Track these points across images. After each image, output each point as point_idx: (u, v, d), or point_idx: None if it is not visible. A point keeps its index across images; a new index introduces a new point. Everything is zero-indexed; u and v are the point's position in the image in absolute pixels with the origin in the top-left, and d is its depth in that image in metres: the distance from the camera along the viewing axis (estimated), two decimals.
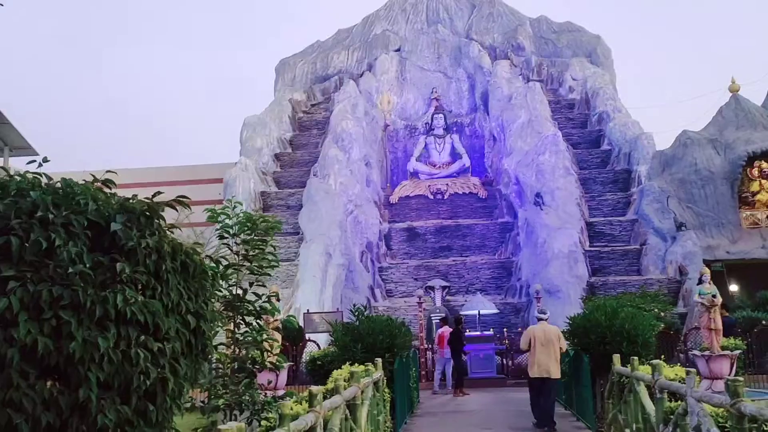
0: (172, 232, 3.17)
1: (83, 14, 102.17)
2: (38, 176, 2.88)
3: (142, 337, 2.78)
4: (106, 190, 3.02)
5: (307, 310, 21.55)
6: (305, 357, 17.81)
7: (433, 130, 32.45)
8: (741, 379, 5.26)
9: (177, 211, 3.24)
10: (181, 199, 3.24)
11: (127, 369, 2.71)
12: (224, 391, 5.69)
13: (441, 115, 32.65)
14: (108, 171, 3.05)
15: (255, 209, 26.87)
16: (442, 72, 35.13)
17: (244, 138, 31.42)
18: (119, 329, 2.72)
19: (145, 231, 2.91)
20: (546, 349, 10.77)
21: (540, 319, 11.36)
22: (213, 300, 3.35)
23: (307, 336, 19.83)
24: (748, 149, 24.18)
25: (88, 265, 2.72)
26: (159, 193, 3.10)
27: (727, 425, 5.72)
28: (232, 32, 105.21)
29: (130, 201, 2.97)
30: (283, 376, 14.90)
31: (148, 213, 2.98)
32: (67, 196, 2.80)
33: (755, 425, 5.11)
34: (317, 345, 18.79)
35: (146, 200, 3.04)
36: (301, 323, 20.46)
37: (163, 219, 3.09)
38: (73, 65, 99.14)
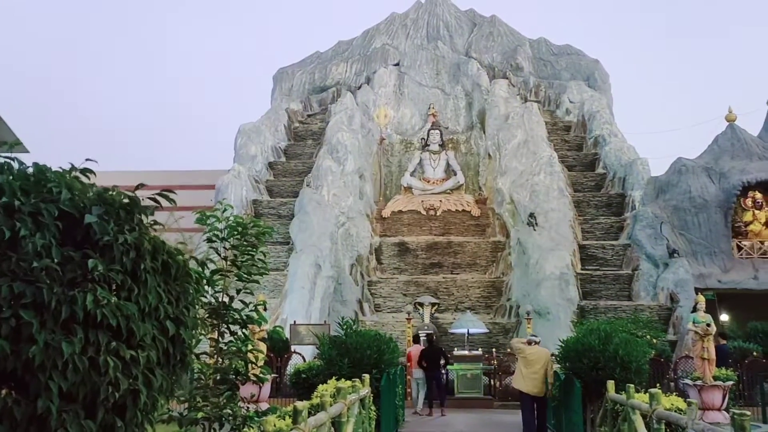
0: (155, 229, 2.88)
1: (81, 18, 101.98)
2: (9, 160, 2.59)
3: (113, 344, 2.47)
4: (85, 180, 2.73)
5: (294, 321, 21.19)
6: (290, 369, 17.43)
7: (429, 145, 32.29)
8: (748, 413, 5.01)
9: (160, 205, 2.95)
10: (165, 193, 2.96)
11: (95, 379, 2.40)
12: (204, 403, 5.37)
13: (437, 131, 32.51)
14: (87, 159, 2.77)
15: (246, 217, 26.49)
16: (440, 88, 35.07)
17: (238, 145, 31.15)
18: (87, 333, 2.41)
19: (123, 226, 2.62)
20: (536, 371, 11.30)
21: (532, 342, 11.90)
22: (196, 305, 3.06)
23: (292, 348, 19.45)
24: (742, 179, 24.13)
25: (56, 260, 2.41)
26: (142, 185, 2.83)
27: None
28: (231, 40, 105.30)
29: (110, 192, 2.68)
30: (267, 388, 14.53)
31: (128, 206, 2.69)
32: (39, 183, 2.51)
33: None
34: (303, 357, 18.42)
35: (127, 192, 2.75)
36: (288, 334, 20.08)
37: (145, 214, 2.81)
38: (69, 69, 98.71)
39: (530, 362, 11.30)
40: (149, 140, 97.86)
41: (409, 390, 17.25)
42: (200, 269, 3.03)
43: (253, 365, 5.56)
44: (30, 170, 2.57)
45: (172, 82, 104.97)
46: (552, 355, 11.66)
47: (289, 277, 24.19)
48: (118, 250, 2.53)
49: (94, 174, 2.80)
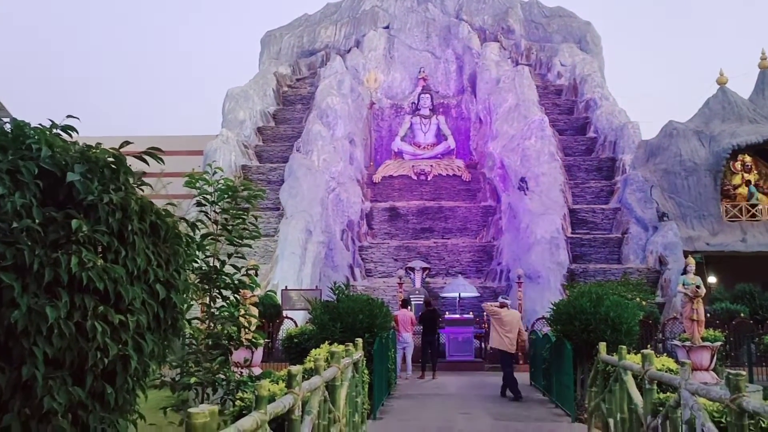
0: (142, 190, 2.75)
1: None
2: None
3: (101, 308, 2.36)
4: (67, 138, 2.58)
5: (285, 286, 21.15)
6: (282, 334, 17.46)
7: (419, 110, 31.99)
8: (743, 373, 4.99)
9: (147, 163, 2.81)
10: (152, 151, 2.81)
11: (82, 344, 2.29)
12: (197, 368, 5.31)
13: (428, 96, 32.18)
14: (69, 116, 2.61)
15: (236, 183, 26.25)
16: (431, 52, 34.60)
17: (226, 110, 30.70)
18: (73, 298, 2.30)
19: (108, 185, 2.48)
20: (509, 330, 12.56)
21: (504, 305, 12.93)
22: (187, 269, 2.95)
23: (284, 313, 19.45)
24: (732, 142, 24.10)
25: (37, 221, 2.28)
26: (128, 143, 2.68)
27: (723, 420, 5.48)
28: (217, 3, 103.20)
29: (93, 150, 2.54)
30: (259, 353, 14.54)
31: (113, 165, 2.55)
32: (17, 139, 2.36)
33: (752, 421, 4.86)
34: (294, 322, 18.43)
35: (112, 150, 2.60)
36: (279, 300, 20.07)
37: (131, 173, 2.67)
38: (49, 35, 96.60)
39: (505, 323, 12.53)
40: (133, 106, 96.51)
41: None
42: (190, 231, 2.91)
43: (246, 330, 5.48)
44: (8, 126, 2.42)
45: (157, 46, 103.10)
46: (542, 318, 11.97)
47: (279, 242, 24.09)
48: (104, 210, 2.39)
49: (77, 131, 2.65)
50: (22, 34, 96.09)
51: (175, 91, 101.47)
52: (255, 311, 14.06)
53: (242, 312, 5.53)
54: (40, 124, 2.55)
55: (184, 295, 2.83)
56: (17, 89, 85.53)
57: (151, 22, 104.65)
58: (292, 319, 18.91)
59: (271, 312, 19.06)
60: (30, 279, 2.24)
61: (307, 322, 16.76)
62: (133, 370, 2.46)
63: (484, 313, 21.24)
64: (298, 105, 32.83)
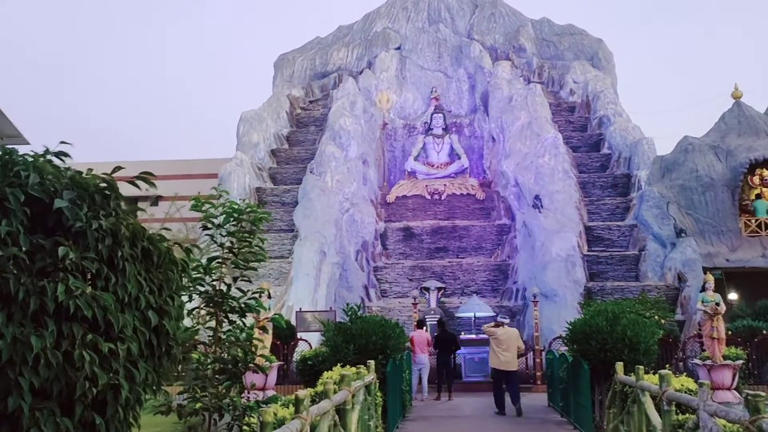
0: (135, 216, 2.71)
1: (72, 7, 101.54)
2: None
3: (90, 336, 2.32)
4: (59, 163, 2.56)
5: (300, 308, 21.09)
6: (296, 356, 17.38)
7: (432, 129, 32.03)
8: (762, 394, 4.84)
9: (139, 188, 2.78)
10: (144, 175, 2.78)
11: (70, 374, 2.24)
12: (203, 393, 5.25)
13: (440, 115, 32.23)
14: (62, 142, 2.60)
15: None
16: (443, 71, 34.72)
17: (240, 133, 30.96)
18: (60, 326, 2.25)
19: (99, 211, 2.45)
20: (507, 348, 13.09)
21: (501, 324, 13.44)
22: (182, 294, 2.90)
23: (298, 335, 19.38)
24: (749, 156, 23.79)
25: (24, 249, 2.25)
26: (119, 168, 2.66)
27: None
28: (231, 26, 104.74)
29: (84, 175, 2.51)
30: (273, 375, 14.47)
31: (105, 191, 2.52)
32: (5, 167, 2.34)
33: None
34: (309, 344, 18.35)
35: (104, 175, 2.58)
36: (294, 322, 20.01)
37: (123, 198, 2.63)
38: (63, 56, 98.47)
39: (501, 341, 13.13)
40: (150, 132, 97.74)
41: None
42: (186, 256, 2.87)
43: (252, 354, 5.42)
44: None
45: (172, 72, 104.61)
46: (559, 337, 11.85)
47: (293, 264, 24.08)
48: (92, 237, 2.36)
49: (70, 157, 2.64)
50: (38, 60, 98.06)
51: (191, 115, 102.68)
52: (266, 334, 14.05)
53: (257, 333, 5.46)
54: (32, 151, 2.54)
55: (179, 322, 2.78)
56: (31, 115, 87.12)
57: (166, 48, 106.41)
58: (306, 341, 18.84)
59: (285, 334, 19.01)
60: (15, 308, 2.20)
61: (321, 344, 16.67)
62: (124, 400, 2.41)
63: None
64: (311, 127, 33.03)
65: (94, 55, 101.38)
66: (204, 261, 5.40)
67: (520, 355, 14.35)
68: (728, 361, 12.92)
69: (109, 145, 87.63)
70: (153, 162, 37.34)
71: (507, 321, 13.82)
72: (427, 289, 24.24)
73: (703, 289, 13.67)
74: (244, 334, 5.57)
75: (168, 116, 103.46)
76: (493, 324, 13.67)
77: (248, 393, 5.59)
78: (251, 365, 5.40)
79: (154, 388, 2.68)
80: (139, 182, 2.95)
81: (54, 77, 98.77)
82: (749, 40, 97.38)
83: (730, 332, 16.43)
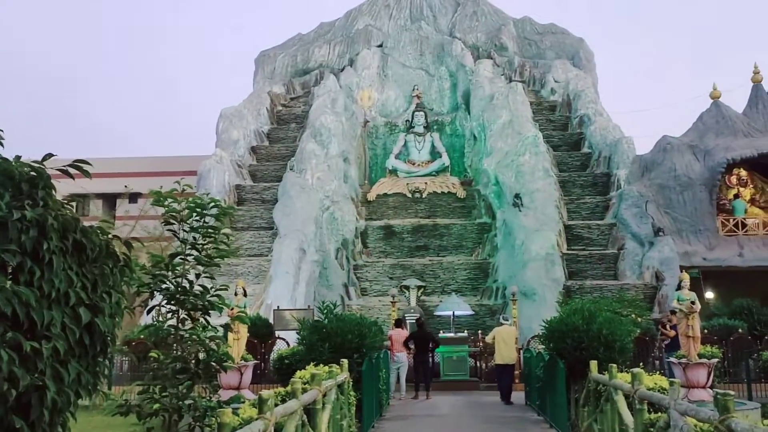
0: (71, 206, 2.55)
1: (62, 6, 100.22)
2: None
3: (10, 334, 2.17)
4: None
5: (278, 306, 20.90)
6: (274, 355, 17.20)
7: (414, 127, 31.95)
8: (732, 393, 4.78)
9: (73, 179, 2.62)
10: (78, 164, 2.62)
11: None
12: (163, 394, 5.09)
13: (422, 113, 32.15)
14: (46, 154, 2.41)
15: (229, 202, 26.15)
16: (424, 69, 34.66)
17: (220, 129, 30.67)
18: None
19: (24, 201, 2.30)
20: (507, 344, 14.76)
21: (502, 324, 15.36)
22: (121, 290, 2.74)
23: (276, 333, 19.19)
24: (727, 156, 23.97)
25: None
26: (51, 155, 2.50)
27: None
28: (212, 23, 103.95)
29: (12, 162, 2.35)
30: (248, 374, 14.28)
31: (33, 180, 2.37)
32: None
33: None
34: (286, 343, 18.17)
35: (33, 163, 2.42)
36: (272, 320, 19.82)
37: (53, 188, 2.48)
38: (40, 57, 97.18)
39: (503, 339, 14.77)
40: (129, 128, 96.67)
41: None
42: (127, 250, 2.72)
43: (215, 353, 5.27)
44: None
45: (152, 68, 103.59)
46: (536, 336, 11.91)
47: (273, 262, 23.90)
48: (15, 228, 2.21)
49: (1, 146, 2.48)
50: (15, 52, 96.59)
51: (169, 113, 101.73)
52: (243, 332, 13.86)
53: (210, 335, 5.30)
54: None
55: (115, 320, 2.63)
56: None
57: (144, 44, 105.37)
58: (284, 339, 18.64)
59: (263, 332, 18.81)
60: None
61: (298, 343, 16.50)
62: (51, 401, 2.26)
63: (479, 332, 20.99)
64: (292, 124, 32.81)
65: (70, 49, 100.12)
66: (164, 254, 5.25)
67: None
68: (703, 360, 12.93)
69: (91, 141, 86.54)
70: (131, 159, 36.93)
71: (508, 322, 15.71)
72: (407, 288, 24.16)
73: (679, 288, 13.67)
74: (208, 333, 5.44)
75: (149, 112, 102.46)
76: (491, 333, 15.49)
77: (219, 393, 5.45)
78: (213, 363, 5.26)
79: (89, 388, 2.53)
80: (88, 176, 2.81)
81: (23, 70, 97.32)
82: (728, 38, 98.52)
83: (706, 331, 16.50)
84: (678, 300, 13.44)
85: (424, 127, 31.85)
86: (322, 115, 29.84)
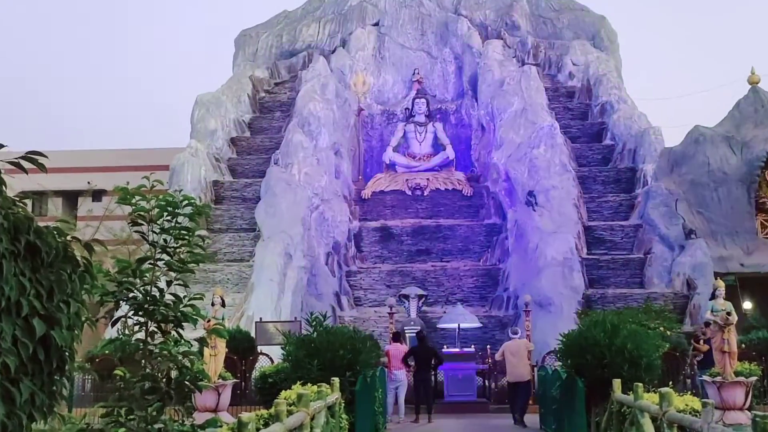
0: (24, 204, 2.54)
1: None
2: None
3: None
4: None
5: (260, 318, 20.90)
6: (256, 373, 17.21)
7: (414, 116, 31.99)
8: None
9: (26, 172, 2.61)
10: (32, 155, 2.61)
11: None
12: (129, 416, 5.08)
13: (423, 100, 32.19)
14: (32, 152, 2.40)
15: (206, 201, 26.17)
16: (426, 51, 34.70)
17: (195, 119, 30.66)
18: None
19: None
20: (517, 359, 14.87)
21: (512, 338, 15.55)
22: (82, 299, 2.72)
23: (259, 348, 19.19)
24: (767, 148, 24.08)
25: None
26: (0, 146, 2.49)
27: None
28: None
29: None
30: (227, 395, 14.31)
31: None
32: None
33: None
34: (270, 359, 18.18)
35: None
36: (253, 334, 19.82)
37: (4, 183, 2.46)
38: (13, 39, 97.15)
39: (512, 353, 14.90)
40: (93, 118, 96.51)
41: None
42: (88, 254, 2.71)
43: (189, 371, 5.26)
44: None
45: (117, 51, 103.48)
46: (551, 352, 11.95)
47: (255, 268, 23.90)
48: None
49: None
50: None
51: (137, 100, 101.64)
52: (224, 347, 13.86)
53: (183, 350, 5.29)
54: None
55: (74, 332, 2.61)
56: None
57: (111, 17, 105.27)
58: (267, 355, 18.65)
59: (244, 347, 18.82)
60: None
61: (282, 359, 16.51)
62: (0, 425, 2.24)
63: (488, 347, 21.03)
64: (276, 112, 32.84)
65: (36, 32, 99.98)
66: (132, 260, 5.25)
67: None
68: (740, 378, 12.99)
69: (50, 134, 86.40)
70: (95, 151, 36.93)
71: (518, 336, 15.85)
72: (407, 297, 24.15)
73: (713, 297, 13.74)
74: (181, 348, 5.42)
75: (116, 99, 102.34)
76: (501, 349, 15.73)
77: (193, 416, 5.44)
78: (187, 383, 5.25)
79: (45, 410, 2.52)
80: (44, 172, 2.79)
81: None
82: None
83: (743, 345, 16.56)
84: (712, 311, 13.51)
85: (425, 116, 31.89)
86: (311, 103, 29.86)
